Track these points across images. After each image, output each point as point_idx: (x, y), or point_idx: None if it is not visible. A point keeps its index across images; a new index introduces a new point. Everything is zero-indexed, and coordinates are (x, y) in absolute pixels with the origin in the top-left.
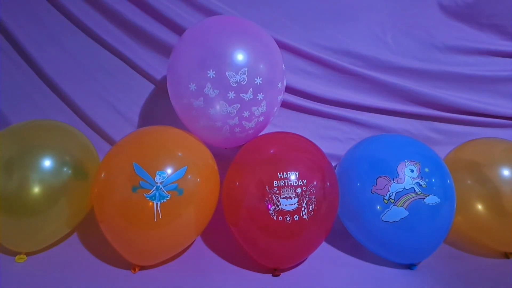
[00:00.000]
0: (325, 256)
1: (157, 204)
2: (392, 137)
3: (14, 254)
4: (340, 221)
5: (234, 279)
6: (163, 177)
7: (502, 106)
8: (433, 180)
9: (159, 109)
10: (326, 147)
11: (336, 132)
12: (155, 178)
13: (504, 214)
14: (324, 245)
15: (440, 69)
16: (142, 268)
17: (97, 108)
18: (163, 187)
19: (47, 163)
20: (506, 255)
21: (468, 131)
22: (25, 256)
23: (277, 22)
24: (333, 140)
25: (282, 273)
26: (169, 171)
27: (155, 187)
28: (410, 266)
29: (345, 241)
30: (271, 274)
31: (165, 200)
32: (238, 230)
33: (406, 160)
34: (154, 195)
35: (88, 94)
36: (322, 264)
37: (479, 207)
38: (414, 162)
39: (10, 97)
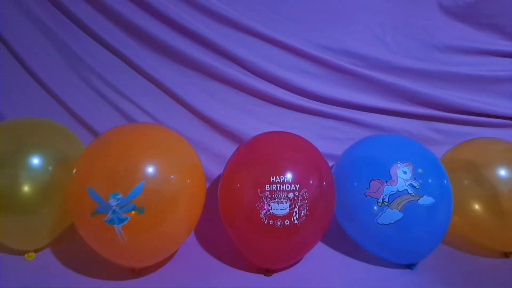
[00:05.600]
0: (322, 257)
1: (118, 227)
2: (387, 137)
3: (22, 253)
4: (337, 222)
5: (229, 279)
6: (118, 199)
7: (502, 106)
8: (429, 181)
9: (159, 109)
10: (326, 147)
11: (336, 132)
12: (109, 201)
13: (501, 214)
14: (321, 246)
15: (440, 69)
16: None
17: (96, 108)
18: (120, 209)
19: (36, 161)
20: (506, 255)
21: (468, 131)
22: (34, 253)
23: (277, 22)
24: (333, 140)
25: (278, 274)
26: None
27: (111, 211)
28: (410, 266)
29: (342, 241)
30: (263, 274)
31: (126, 223)
32: (234, 231)
33: (398, 162)
34: (112, 219)
35: (88, 94)
36: (319, 265)
37: (477, 207)
38: (407, 163)
39: (7, 98)
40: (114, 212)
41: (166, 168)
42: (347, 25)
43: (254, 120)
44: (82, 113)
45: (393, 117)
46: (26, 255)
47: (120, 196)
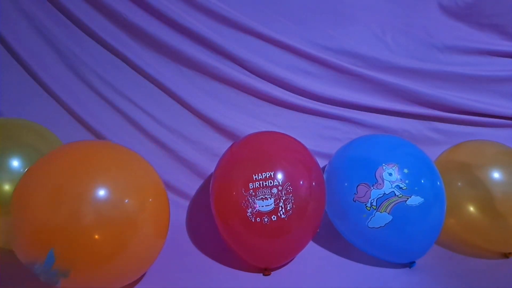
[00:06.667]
0: (317, 257)
1: (58, 284)
2: (378, 138)
3: None
4: (332, 223)
5: (226, 279)
6: (38, 268)
7: (502, 106)
8: (418, 181)
9: (159, 109)
10: (326, 147)
11: (336, 132)
12: (35, 267)
13: (496, 216)
14: (316, 246)
15: (440, 69)
16: None
17: (96, 108)
18: (46, 274)
19: (15, 163)
20: (505, 255)
21: (468, 131)
22: None
23: (277, 22)
24: (333, 140)
25: (273, 273)
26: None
27: (41, 275)
28: (409, 265)
29: (337, 240)
30: (262, 274)
31: (59, 284)
32: (226, 231)
33: (383, 164)
34: (51, 281)
35: (88, 94)
36: (316, 264)
37: (471, 209)
38: (392, 165)
39: (7, 98)
40: (44, 274)
41: (119, 191)
42: (347, 25)
43: (254, 120)
44: (82, 113)
45: (393, 117)
46: None
47: (38, 265)
